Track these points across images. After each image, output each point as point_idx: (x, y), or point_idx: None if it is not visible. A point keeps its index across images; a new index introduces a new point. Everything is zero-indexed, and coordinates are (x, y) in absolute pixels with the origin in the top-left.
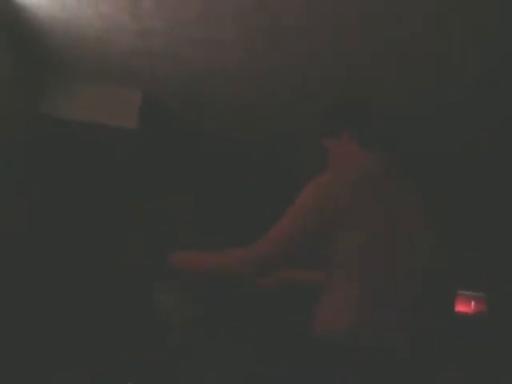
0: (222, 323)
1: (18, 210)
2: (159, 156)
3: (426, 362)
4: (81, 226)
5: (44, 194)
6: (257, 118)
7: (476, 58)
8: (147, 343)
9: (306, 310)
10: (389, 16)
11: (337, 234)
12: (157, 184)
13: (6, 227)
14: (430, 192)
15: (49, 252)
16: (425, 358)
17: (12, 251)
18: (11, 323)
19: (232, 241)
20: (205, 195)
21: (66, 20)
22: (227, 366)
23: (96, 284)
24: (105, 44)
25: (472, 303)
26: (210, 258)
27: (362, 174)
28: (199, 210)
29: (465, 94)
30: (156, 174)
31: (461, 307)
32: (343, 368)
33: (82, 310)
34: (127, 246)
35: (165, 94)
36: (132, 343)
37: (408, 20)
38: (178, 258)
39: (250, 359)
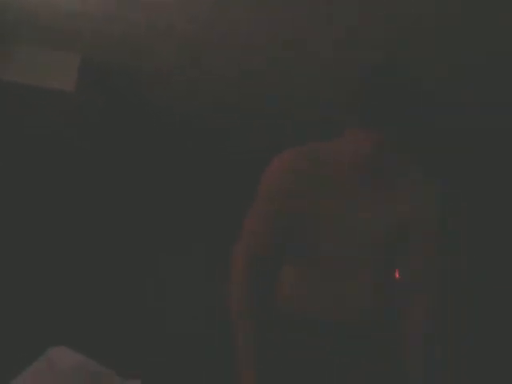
0: None
1: None
2: (98, 119)
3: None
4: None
5: None
6: (199, 79)
7: None
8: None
9: None
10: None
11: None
12: (95, 148)
13: None
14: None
15: None
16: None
17: None
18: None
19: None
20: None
21: None
22: None
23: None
24: (42, 5)
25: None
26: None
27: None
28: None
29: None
30: (94, 138)
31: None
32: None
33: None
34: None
35: (103, 55)
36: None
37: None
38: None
39: None
